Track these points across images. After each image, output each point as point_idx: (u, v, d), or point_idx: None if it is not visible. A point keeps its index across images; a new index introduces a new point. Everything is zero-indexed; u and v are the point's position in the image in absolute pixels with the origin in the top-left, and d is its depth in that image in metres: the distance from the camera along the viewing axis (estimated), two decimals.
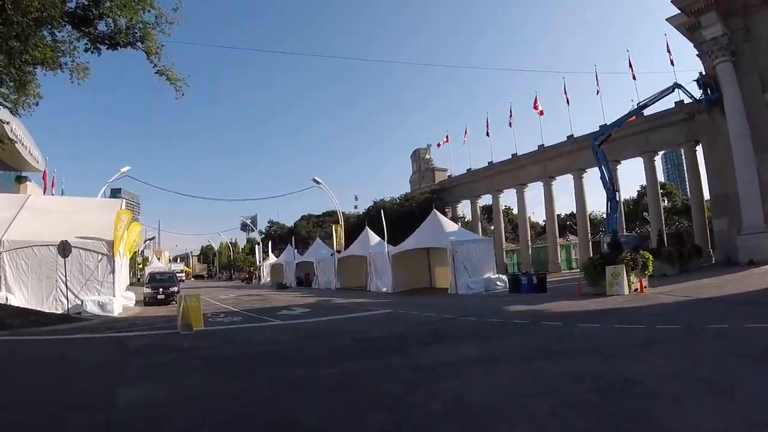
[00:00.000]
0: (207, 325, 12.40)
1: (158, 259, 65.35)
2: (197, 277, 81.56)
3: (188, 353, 8.43)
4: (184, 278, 69.17)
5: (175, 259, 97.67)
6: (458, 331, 10.34)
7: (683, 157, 33.80)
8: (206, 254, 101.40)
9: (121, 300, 19.66)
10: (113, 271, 18.17)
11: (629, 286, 15.26)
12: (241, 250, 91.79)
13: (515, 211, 55.18)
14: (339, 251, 33.53)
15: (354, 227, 40.46)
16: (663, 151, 37.86)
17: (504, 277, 23.13)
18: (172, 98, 14.11)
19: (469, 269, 21.47)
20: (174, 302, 20.59)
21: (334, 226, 35.97)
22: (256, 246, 58.59)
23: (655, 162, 33.67)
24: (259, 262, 51.91)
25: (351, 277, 31.84)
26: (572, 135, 36.97)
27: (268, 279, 45.64)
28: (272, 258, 47.76)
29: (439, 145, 47.14)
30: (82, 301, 16.97)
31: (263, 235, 70.37)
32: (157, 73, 12.77)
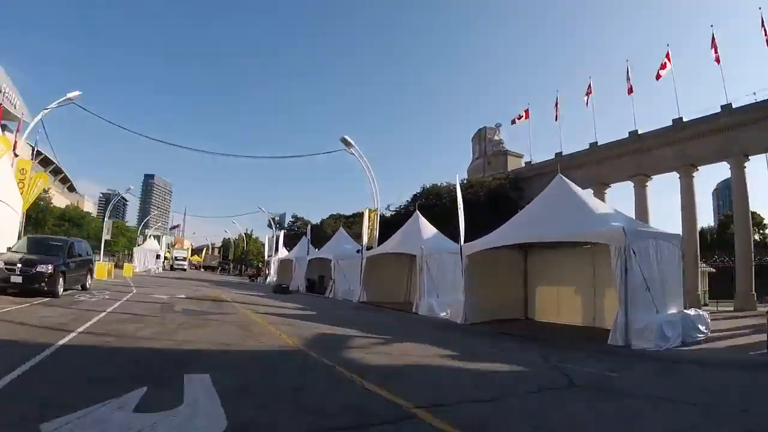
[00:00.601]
0: None
1: (161, 246, 56.27)
2: (207, 268, 73.38)
3: None
4: (185, 267, 61.01)
5: (192, 249, 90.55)
6: None
7: None
8: (227, 246, 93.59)
9: None
10: None
11: None
12: (261, 244, 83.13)
13: None
14: (370, 247, 22.33)
15: (388, 228, 27.61)
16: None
17: (706, 315, 11.12)
18: None
19: (653, 295, 9.71)
20: (45, 290, 11.66)
21: (366, 212, 24.76)
22: (266, 238, 48.23)
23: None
24: (269, 256, 41.35)
25: (385, 286, 20.94)
26: (730, 104, 24.50)
27: (275, 278, 34.95)
28: (282, 252, 36.99)
29: (513, 121, 35.33)
30: None
31: (284, 230, 60.25)
32: None
